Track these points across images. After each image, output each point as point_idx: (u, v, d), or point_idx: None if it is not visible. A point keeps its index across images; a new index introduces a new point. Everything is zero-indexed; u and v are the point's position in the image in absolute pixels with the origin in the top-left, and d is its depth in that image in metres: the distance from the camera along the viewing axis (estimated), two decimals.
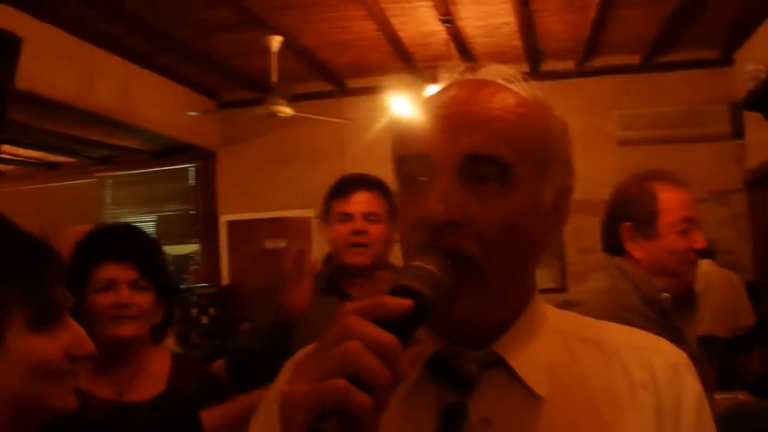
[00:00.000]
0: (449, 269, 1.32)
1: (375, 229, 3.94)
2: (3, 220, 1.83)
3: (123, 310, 3.06)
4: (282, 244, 12.59)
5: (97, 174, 13.63)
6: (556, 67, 11.42)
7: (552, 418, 1.42)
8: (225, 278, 12.67)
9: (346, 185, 4.05)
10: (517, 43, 10.35)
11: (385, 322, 1.16)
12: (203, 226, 13.01)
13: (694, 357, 3.28)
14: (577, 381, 1.47)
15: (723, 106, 10.83)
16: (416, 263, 1.31)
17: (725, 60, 10.98)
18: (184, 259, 13.17)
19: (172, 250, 12.69)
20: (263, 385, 2.04)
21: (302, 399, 1.13)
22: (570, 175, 1.54)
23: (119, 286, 3.07)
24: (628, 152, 10.86)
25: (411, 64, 10.97)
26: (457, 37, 9.90)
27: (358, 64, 11.15)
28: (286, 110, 9.50)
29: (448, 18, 9.08)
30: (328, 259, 4.14)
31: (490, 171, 1.39)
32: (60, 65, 8.80)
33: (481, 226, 1.37)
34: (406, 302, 1.20)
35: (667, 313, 3.36)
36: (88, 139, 11.65)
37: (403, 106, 9.53)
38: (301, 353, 1.50)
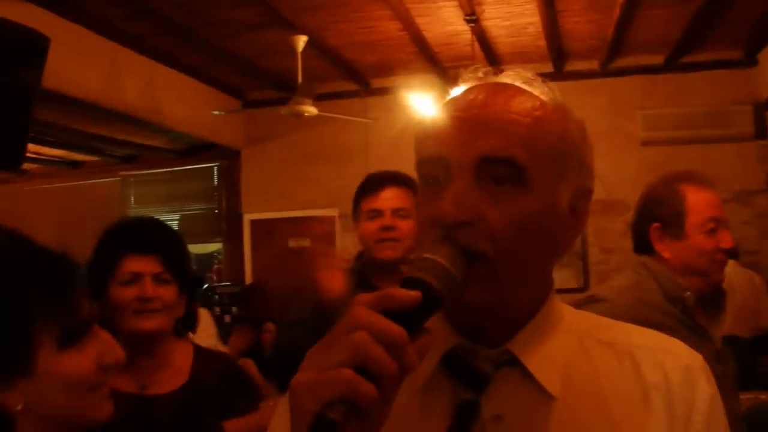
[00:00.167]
0: (459, 262, 1.35)
1: (404, 225, 3.94)
2: (23, 239, 1.84)
3: (147, 304, 3.07)
4: (305, 243, 12.60)
5: (121, 173, 13.66)
6: (580, 67, 11.41)
7: (563, 417, 1.44)
8: (248, 277, 12.66)
9: (375, 182, 4.06)
10: (542, 43, 10.33)
11: (394, 313, 1.20)
12: (227, 225, 13.04)
13: (718, 356, 3.30)
14: (589, 381, 1.49)
15: (747, 107, 10.81)
16: (427, 256, 1.33)
17: (749, 60, 10.96)
18: (207, 257, 13.21)
19: (196, 248, 12.71)
20: None
21: (310, 387, 1.17)
22: (588, 178, 1.56)
23: (143, 279, 3.08)
24: (652, 152, 10.85)
25: (436, 64, 10.97)
26: (481, 37, 9.89)
27: (383, 63, 11.16)
28: (311, 110, 9.49)
29: (473, 18, 9.07)
30: (359, 256, 4.15)
31: (505, 173, 1.41)
32: (86, 64, 8.84)
33: (495, 226, 1.39)
34: (414, 294, 1.23)
35: (690, 310, 3.37)
36: (112, 138, 11.70)
37: (427, 106, 9.53)
38: None
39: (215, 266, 13.32)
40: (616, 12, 8.97)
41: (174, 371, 3.22)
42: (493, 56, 10.69)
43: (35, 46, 4.96)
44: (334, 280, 3.73)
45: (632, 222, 3.69)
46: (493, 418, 1.43)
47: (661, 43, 10.45)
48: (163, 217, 12.44)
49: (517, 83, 1.55)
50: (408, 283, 1.27)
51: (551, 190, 1.47)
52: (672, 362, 1.50)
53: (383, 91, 11.75)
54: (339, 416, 1.12)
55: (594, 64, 11.36)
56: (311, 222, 12.50)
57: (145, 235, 3.21)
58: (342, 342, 1.17)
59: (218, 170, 13.15)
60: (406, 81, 10.48)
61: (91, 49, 8.94)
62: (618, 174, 10.55)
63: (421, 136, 1.53)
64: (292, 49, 9.50)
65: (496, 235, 1.39)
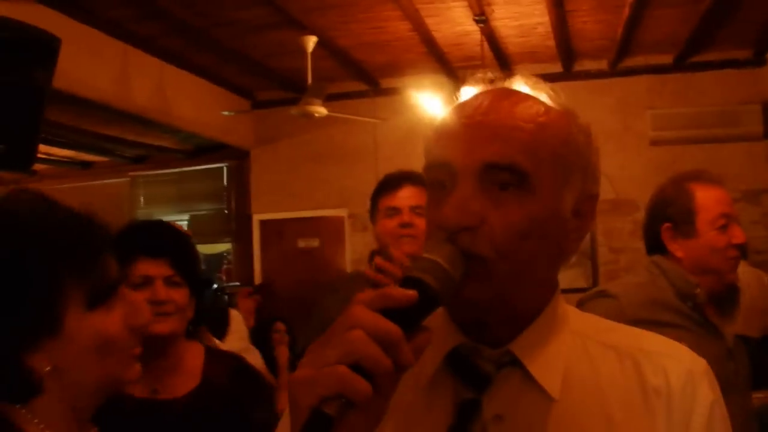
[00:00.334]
0: (458, 262, 1.38)
1: (421, 222, 3.92)
2: (50, 201, 1.84)
3: (160, 307, 3.05)
4: (315, 243, 12.63)
5: (131, 173, 13.71)
6: (589, 67, 11.41)
7: (563, 418, 1.47)
8: (257, 277, 12.69)
9: (392, 181, 4.10)
10: (551, 43, 10.34)
11: (392, 312, 1.23)
12: (236, 225, 13.07)
13: (730, 354, 3.30)
14: (590, 383, 1.51)
15: (756, 106, 10.80)
16: (426, 256, 1.36)
17: (758, 60, 10.95)
18: (216, 258, 13.22)
19: (205, 249, 12.71)
20: None
21: (307, 383, 1.20)
22: (593, 182, 1.58)
23: (155, 282, 3.08)
24: (661, 152, 10.85)
25: (445, 64, 10.98)
26: (491, 37, 9.89)
27: (393, 64, 11.17)
28: (320, 110, 9.50)
29: (482, 18, 9.07)
30: (372, 255, 4.17)
31: (508, 178, 1.44)
32: (96, 65, 8.87)
33: (496, 230, 1.42)
34: (411, 293, 1.26)
35: (701, 307, 3.38)
36: (122, 139, 11.75)
37: (436, 106, 9.54)
38: None
39: (224, 266, 13.33)
40: (626, 12, 8.97)
41: (186, 374, 3.21)
42: (502, 56, 10.70)
43: (47, 47, 4.99)
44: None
45: (644, 224, 3.70)
46: (493, 418, 1.46)
47: (670, 42, 10.44)
48: (172, 218, 12.44)
49: (524, 88, 1.58)
50: (406, 282, 1.30)
51: (555, 194, 1.49)
52: (674, 367, 1.51)
53: (392, 92, 11.75)
54: (334, 411, 1.16)
55: (603, 64, 11.35)
56: (320, 222, 12.52)
57: (155, 238, 3.21)
58: (338, 339, 1.21)
59: (228, 170, 13.18)
60: (415, 81, 10.51)
61: (101, 50, 8.97)
62: (627, 174, 10.56)
63: (429, 141, 1.56)
64: (302, 50, 9.52)
65: (497, 239, 1.42)
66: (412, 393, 1.50)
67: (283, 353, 7.71)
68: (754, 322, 7.97)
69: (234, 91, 12.14)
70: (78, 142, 11.88)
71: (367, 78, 11.84)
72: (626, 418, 1.46)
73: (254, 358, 6.25)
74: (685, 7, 8.94)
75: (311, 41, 9.43)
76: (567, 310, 1.62)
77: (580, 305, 3.36)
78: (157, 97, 10.12)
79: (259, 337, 7.89)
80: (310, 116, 9.65)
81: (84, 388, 1.76)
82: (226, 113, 11.50)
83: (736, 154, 10.79)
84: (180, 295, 3.14)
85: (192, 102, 10.99)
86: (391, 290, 1.26)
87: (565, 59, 11.06)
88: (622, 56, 11.05)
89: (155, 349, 3.09)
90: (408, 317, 1.24)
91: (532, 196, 1.45)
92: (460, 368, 1.52)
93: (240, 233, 12.99)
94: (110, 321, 1.79)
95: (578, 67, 11.44)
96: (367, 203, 4.21)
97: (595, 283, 10.94)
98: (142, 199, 13.72)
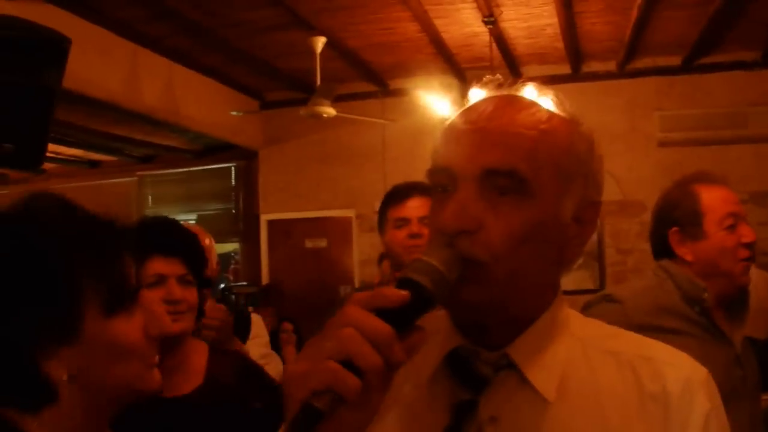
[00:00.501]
0: (454, 265, 1.40)
1: None
2: (71, 204, 1.82)
3: (174, 306, 3.05)
4: (322, 243, 12.65)
5: (139, 173, 13.75)
6: (597, 68, 11.40)
7: (558, 421, 1.48)
8: (265, 277, 12.72)
9: (401, 192, 4.10)
10: (560, 44, 10.33)
11: (386, 311, 1.26)
12: (244, 225, 13.10)
13: (738, 360, 3.28)
14: (588, 388, 1.52)
15: (764, 108, 10.78)
16: (423, 258, 1.39)
17: (766, 62, 10.93)
18: (224, 257, 13.22)
19: None
20: None
21: (300, 377, 1.24)
22: (595, 189, 1.60)
23: (168, 281, 3.07)
24: (669, 154, 10.84)
25: (453, 65, 10.98)
26: (499, 38, 9.89)
27: (401, 65, 11.18)
28: (329, 111, 9.52)
29: (491, 20, 9.06)
30: (381, 258, 4.18)
31: (508, 184, 1.46)
32: (105, 65, 8.89)
33: (494, 235, 1.45)
34: (403, 293, 1.29)
35: (708, 312, 3.34)
36: (130, 138, 11.78)
37: (445, 107, 9.54)
38: None
39: (232, 266, 13.35)
40: (634, 13, 8.98)
41: (190, 372, 3.21)
42: (510, 58, 10.71)
43: (56, 47, 5.00)
44: None
45: (650, 230, 3.65)
46: (489, 419, 1.48)
47: (679, 44, 10.44)
48: (180, 217, 12.42)
49: (529, 95, 1.60)
50: (401, 283, 1.33)
51: (554, 200, 1.51)
52: (673, 374, 1.51)
53: (401, 93, 11.76)
54: (323, 405, 1.19)
55: (611, 66, 11.35)
56: (328, 222, 12.56)
57: (169, 236, 3.21)
58: (332, 336, 1.24)
59: (236, 170, 13.22)
60: (424, 82, 10.52)
61: (110, 50, 9.00)
62: (635, 175, 10.56)
63: (435, 145, 1.60)
64: (311, 50, 9.53)
65: (494, 244, 1.44)
66: (411, 392, 1.54)
67: (290, 353, 7.73)
68: (761, 323, 7.96)
69: (243, 91, 12.16)
70: (87, 142, 11.93)
71: (375, 79, 11.85)
72: (622, 423, 1.48)
73: (276, 365, 6.24)
74: (694, 8, 8.94)
75: (320, 42, 9.44)
76: (569, 315, 1.64)
77: (586, 309, 3.35)
78: (166, 97, 10.15)
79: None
80: (318, 117, 9.67)
81: (101, 397, 1.73)
82: (234, 113, 11.53)
83: (744, 155, 10.79)
84: (192, 295, 3.14)
85: (201, 102, 11.02)
86: (385, 290, 1.30)
87: (573, 61, 11.05)
88: (631, 58, 11.05)
89: (164, 348, 3.09)
90: (401, 317, 1.27)
91: (531, 201, 1.47)
92: (458, 369, 1.54)
93: (248, 233, 13.03)
94: (130, 328, 1.76)
95: (586, 68, 11.43)
96: (375, 204, 4.22)
97: (602, 284, 10.95)
98: (150, 198, 13.76)
